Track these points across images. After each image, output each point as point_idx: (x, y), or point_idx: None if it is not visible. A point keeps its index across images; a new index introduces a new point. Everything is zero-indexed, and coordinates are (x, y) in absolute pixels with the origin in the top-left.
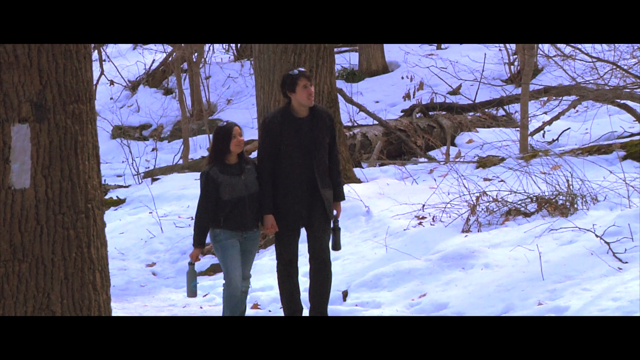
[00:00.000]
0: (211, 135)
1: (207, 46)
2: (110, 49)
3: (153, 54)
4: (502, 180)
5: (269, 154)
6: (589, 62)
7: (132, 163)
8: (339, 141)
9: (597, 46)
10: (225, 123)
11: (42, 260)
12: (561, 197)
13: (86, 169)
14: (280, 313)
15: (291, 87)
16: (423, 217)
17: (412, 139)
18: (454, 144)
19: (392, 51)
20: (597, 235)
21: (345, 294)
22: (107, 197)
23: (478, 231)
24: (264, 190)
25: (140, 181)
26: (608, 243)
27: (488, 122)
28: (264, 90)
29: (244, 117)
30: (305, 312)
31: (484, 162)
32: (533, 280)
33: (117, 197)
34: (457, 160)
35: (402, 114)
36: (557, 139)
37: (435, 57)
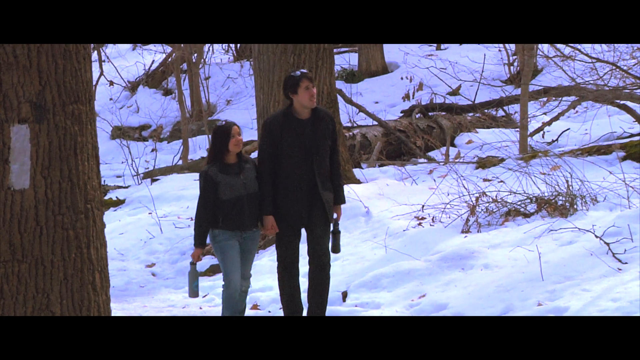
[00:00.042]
0: (211, 136)
1: (206, 47)
2: (110, 49)
3: (152, 55)
4: (501, 181)
5: (269, 154)
6: (589, 62)
7: (132, 164)
8: (339, 143)
9: (597, 47)
10: (224, 122)
11: (41, 261)
12: (561, 197)
13: (86, 170)
14: (280, 314)
15: (293, 88)
16: (423, 218)
17: (412, 139)
18: (453, 145)
19: (392, 52)
20: (596, 236)
21: (344, 295)
22: (106, 197)
23: (478, 232)
24: (264, 191)
25: (139, 182)
26: (608, 244)
27: (488, 123)
28: (263, 91)
29: (244, 118)
30: (304, 314)
31: (483, 163)
32: (533, 281)
33: (116, 197)
34: (456, 160)
35: (401, 114)
36: (557, 139)
37: (435, 58)
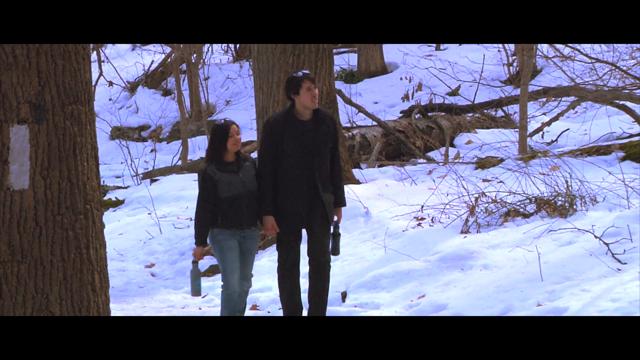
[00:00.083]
0: (209, 135)
1: (206, 47)
2: (109, 50)
3: (152, 55)
4: (501, 181)
5: (269, 155)
6: (588, 63)
7: (131, 164)
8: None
9: (596, 47)
10: (222, 121)
11: (41, 262)
12: (560, 198)
13: (85, 170)
14: (279, 314)
15: (295, 89)
16: (422, 218)
17: (411, 140)
18: (453, 145)
19: (391, 52)
20: (596, 236)
21: (344, 295)
22: (106, 198)
23: (477, 232)
24: (264, 191)
25: (139, 182)
26: (607, 244)
27: (487, 123)
28: (262, 91)
29: (243, 118)
30: (304, 314)
31: (483, 163)
32: (532, 281)
33: (116, 198)
34: (456, 161)
35: (401, 115)
36: (556, 139)
37: (434, 58)
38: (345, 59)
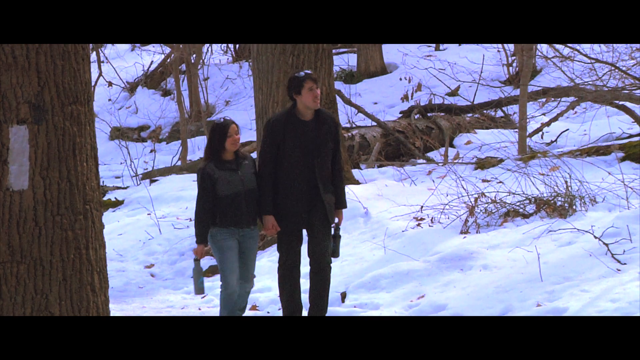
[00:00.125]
0: (208, 133)
1: (205, 47)
2: (109, 50)
3: (151, 56)
4: (500, 182)
5: (270, 155)
6: (588, 63)
7: (131, 164)
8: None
9: (596, 47)
10: (222, 120)
11: (40, 262)
12: (560, 198)
13: (84, 171)
14: (279, 314)
15: (297, 89)
16: (421, 219)
17: (411, 140)
18: (452, 145)
19: (391, 52)
20: (595, 237)
21: (343, 296)
22: (105, 198)
23: (476, 232)
24: (264, 190)
25: (138, 182)
26: (607, 244)
27: (486, 124)
28: (262, 92)
29: (243, 119)
30: (304, 314)
31: (482, 164)
32: (532, 282)
33: (115, 198)
34: (455, 161)
35: (400, 115)
36: (556, 140)
37: (434, 59)
38: (345, 59)
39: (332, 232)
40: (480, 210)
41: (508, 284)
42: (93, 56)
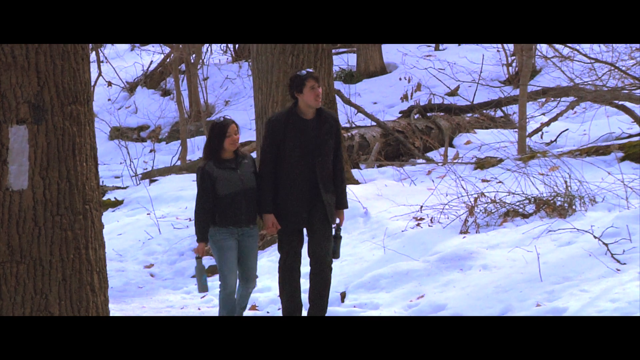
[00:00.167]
0: (208, 132)
1: (205, 47)
2: (108, 50)
3: (151, 55)
4: (500, 182)
5: (270, 153)
6: (587, 63)
7: (130, 164)
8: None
9: (595, 47)
10: (222, 119)
11: (40, 262)
12: (559, 198)
13: (84, 171)
14: (279, 315)
15: (299, 87)
16: (421, 219)
17: (410, 140)
18: (452, 145)
19: (390, 52)
20: (595, 237)
21: (343, 296)
22: (105, 198)
23: (476, 232)
24: (264, 189)
25: (138, 182)
26: (606, 244)
27: (486, 124)
28: (261, 92)
29: (242, 119)
30: (304, 313)
31: (482, 164)
32: (531, 282)
33: (115, 198)
34: (455, 161)
35: (400, 115)
36: (555, 140)
37: (433, 59)
38: (345, 59)
39: (333, 232)
40: (480, 210)
41: (508, 284)
42: (92, 56)
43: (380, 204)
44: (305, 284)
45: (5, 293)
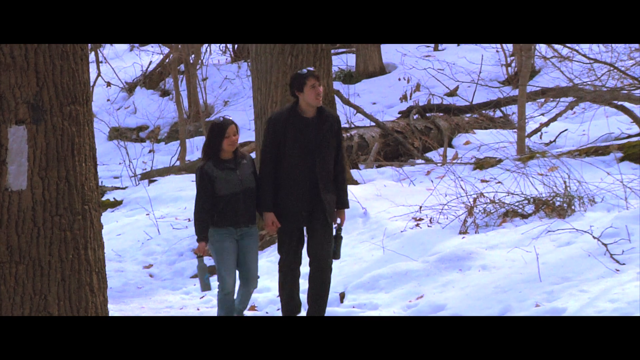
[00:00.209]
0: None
1: (204, 48)
2: (107, 50)
3: (150, 56)
4: (499, 182)
5: (270, 152)
6: (586, 63)
7: (129, 165)
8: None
9: (594, 47)
10: (221, 119)
11: (39, 262)
12: (558, 198)
13: (83, 171)
14: (278, 315)
15: (299, 86)
16: (420, 219)
17: (409, 140)
18: (451, 146)
19: (389, 53)
20: (594, 237)
21: (342, 296)
22: (104, 198)
23: (475, 233)
24: (264, 188)
25: (137, 183)
26: (605, 244)
27: (485, 124)
28: (261, 92)
29: (241, 119)
30: (303, 314)
31: (481, 164)
32: (530, 282)
33: (114, 198)
34: (454, 161)
35: (399, 115)
36: (555, 140)
37: (433, 59)
38: (344, 59)
39: (334, 232)
40: (479, 211)
41: (507, 284)
42: (92, 56)
43: (379, 204)
44: (304, 284)
45: (5, 293)
